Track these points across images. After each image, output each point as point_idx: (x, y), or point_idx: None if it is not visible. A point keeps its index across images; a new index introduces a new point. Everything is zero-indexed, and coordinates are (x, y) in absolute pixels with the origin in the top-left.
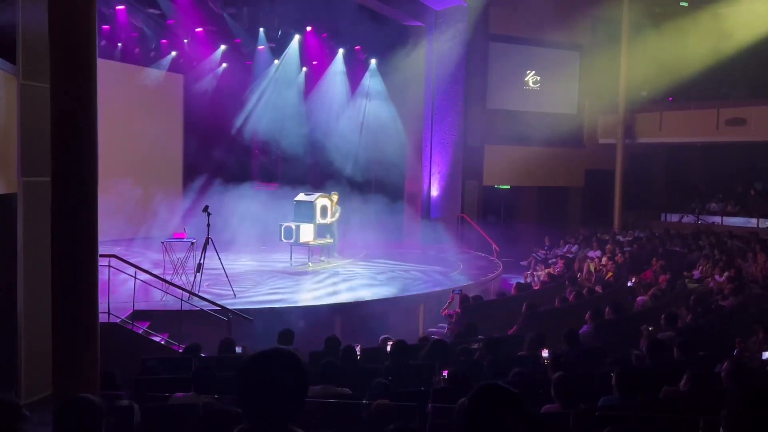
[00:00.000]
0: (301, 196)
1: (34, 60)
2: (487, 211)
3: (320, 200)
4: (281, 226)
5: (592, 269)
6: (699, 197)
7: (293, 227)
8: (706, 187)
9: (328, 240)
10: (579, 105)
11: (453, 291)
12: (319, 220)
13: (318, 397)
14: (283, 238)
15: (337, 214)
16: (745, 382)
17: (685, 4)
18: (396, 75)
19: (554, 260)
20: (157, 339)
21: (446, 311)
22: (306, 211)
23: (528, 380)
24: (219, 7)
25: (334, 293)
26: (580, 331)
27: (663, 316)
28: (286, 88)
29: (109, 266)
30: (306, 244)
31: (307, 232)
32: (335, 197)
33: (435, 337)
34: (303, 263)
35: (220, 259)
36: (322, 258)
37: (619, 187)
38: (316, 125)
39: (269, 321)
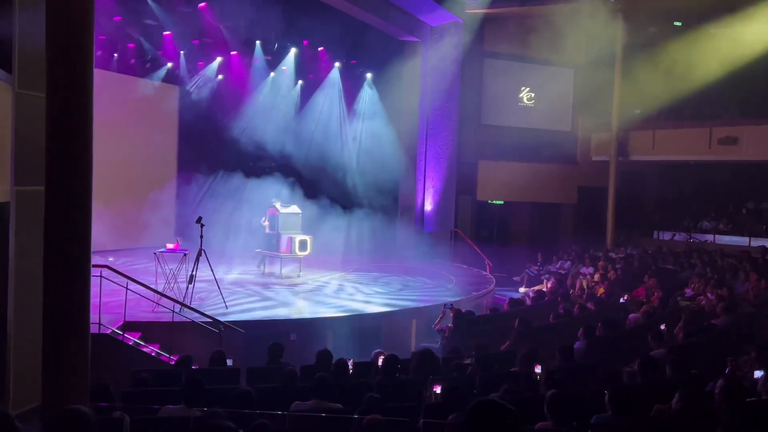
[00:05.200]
0: (279, 207)
1: (30, 69)
2: (480, 226)
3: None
4: (293, 239)
5: (585, 286)
6: (691, 215)
7: (308, 240)
8: (698, 205)
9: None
10: (573, 122)
11: (444, 306)
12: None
13: (309, 413)
14: (298, 251)
15: None
16: (739, 401)
17: (679, 24)
18: (391, 89)
19: (547, 276)
20: (148, 351)
21: (438, 326)
22: (293, 223)
23: (520, 397)
24: (216, 20)
25: (326, 306)
26: (575, 347)
27: (650, 335)
28: (282, 100)
29: (101, 276)
30: (298, 257)
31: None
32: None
33: (424, 345)
34: (292, 276)
35: (212, 270)
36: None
37: (611, 204)
38: (311, 138)
39: (261, 333)
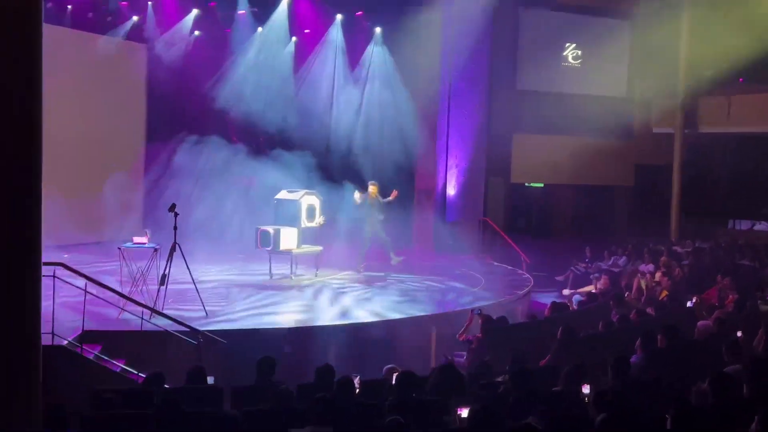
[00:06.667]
0: (284, 194)
1: None
2: (515, 214)
3: (306, 198)
4: (258, 230)
5: (643, 287)
6: None
7: (271, 231)
8: None
9: (315, 248)
10: (629, 86)
11: (472, 311)
12: (305, 223)
13: None
14: (259, 245)
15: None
16: None
17: None
18: (406, 47)
19: (597, 275)
20: (112, 366)
21: (464, 336)
22: (289, 213)
23: (563, 421)
24: None
25: (328, 313)
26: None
27: (723, 346)
28: (272, 61)
29: (54, 277)
30: (288, 252)
31: (288, 238)
32: (374, 189)
33: (448, 358)
34: (284, 275)
35: (188, 269)
36: (317, 272)
37: (677, 187)
38: (308, 107)
39: (248, 345)
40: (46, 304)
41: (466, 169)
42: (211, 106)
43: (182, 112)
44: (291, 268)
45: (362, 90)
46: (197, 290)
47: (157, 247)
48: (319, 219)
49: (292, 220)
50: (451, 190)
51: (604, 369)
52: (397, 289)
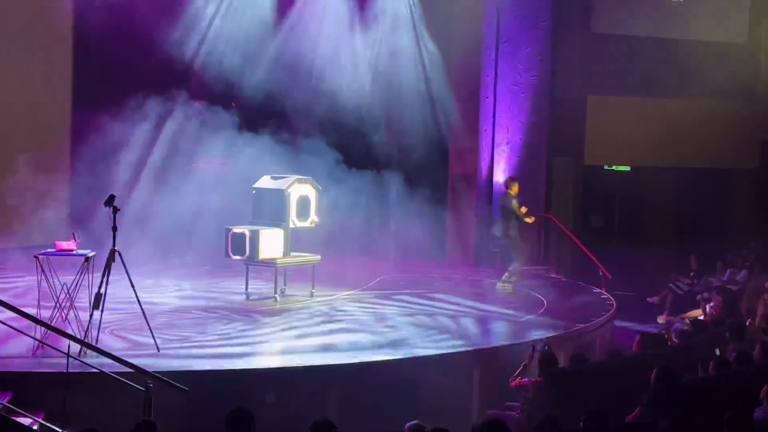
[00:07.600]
0: (266, 181)
1: None
2: (590, 209)
3: (297, 188)
4: (228, 231)
5: None
6: None
7: (246, 234)
8: None
9: (311, 258)
10: (752, 30)
11: (533, 347)
12: (295, 222)
13: None
14: (231, 253)
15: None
16: None
17: None
18: None
19: (706, 295)
20: (27, 421)
21: (519, 380)
22: (273, 207)
23: None
24: None
25: (327, 348)
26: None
27: None
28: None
29: None
30: (271, 263)
31: (271, 243)
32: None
33: (493, 413)
34: (266, 296)
35: (132, 285)
36: (313, 291)
37: None
38: (298, 61)
39: (216, 393)
40: None
41: (520, 146)
42: (165, 61)
43: (123, 67)
44: (276, 285)
45: (373, 36)
46: (144, 315)
47: (90, 255)
48: (314, 217)
49: (277, 219)
50: (500, 176)
51: (716, 428)
52: (425, 316)
